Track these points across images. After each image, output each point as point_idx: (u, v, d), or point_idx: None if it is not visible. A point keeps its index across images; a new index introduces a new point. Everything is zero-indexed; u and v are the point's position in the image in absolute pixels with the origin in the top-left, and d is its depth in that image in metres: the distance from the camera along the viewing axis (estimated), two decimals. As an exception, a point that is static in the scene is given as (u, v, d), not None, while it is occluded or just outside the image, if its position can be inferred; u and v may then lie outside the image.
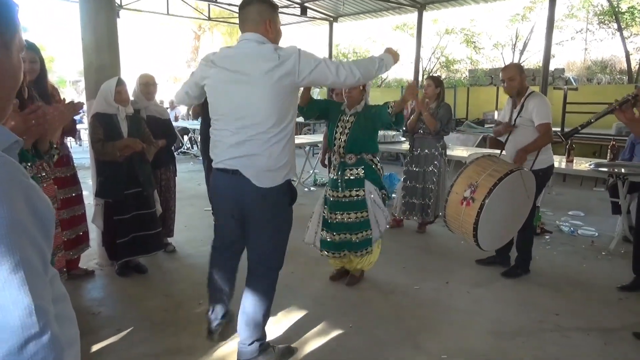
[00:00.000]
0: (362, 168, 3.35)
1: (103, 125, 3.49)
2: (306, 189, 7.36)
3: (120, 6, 11.96)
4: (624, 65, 15.30)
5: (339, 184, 3.39)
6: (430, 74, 13.48)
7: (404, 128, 5.24)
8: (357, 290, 3.56)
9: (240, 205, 2.39)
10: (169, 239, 4.38)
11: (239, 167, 2.30)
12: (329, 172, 3.59)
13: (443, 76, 19.33)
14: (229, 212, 2.47)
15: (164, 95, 15.50)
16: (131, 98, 3.83)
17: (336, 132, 3.37)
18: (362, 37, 21.02)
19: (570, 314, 3.19)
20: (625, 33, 15.22)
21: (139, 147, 3.55)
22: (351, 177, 3.37)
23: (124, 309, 3.22)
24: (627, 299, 3.44)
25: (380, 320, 3.10)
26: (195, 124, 11.03)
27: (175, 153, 11.65)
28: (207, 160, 5.30)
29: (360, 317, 3.11)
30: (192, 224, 5.24)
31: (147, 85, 3.92)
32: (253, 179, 2.29)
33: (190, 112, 5.70)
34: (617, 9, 15.15)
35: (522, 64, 3.76)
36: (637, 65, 14.80)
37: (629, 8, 15.07)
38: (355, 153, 3.34)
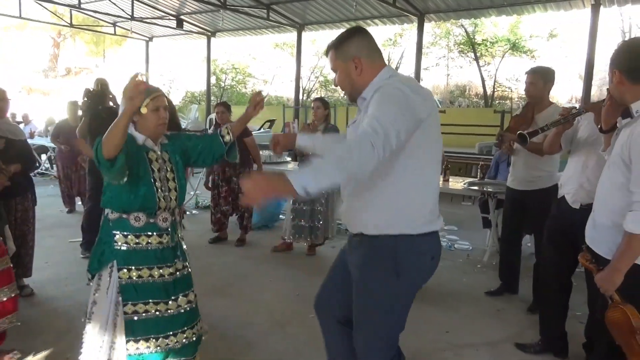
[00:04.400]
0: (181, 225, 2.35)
1: None
2: (188, 213, 6.92)
3: (-41, 5, 10.37)
4: (480, 90, 17.24)
5: (178, 252, 2.22)
6: (318, 96, 13.76)
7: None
8: (253, 324, 3.33)
9: None
10: (26, 280, 3.73)
11: None
12: (138, 242, 2.11)
13: (322, 95, 19.94)
14: None
15: (17, 108, 13.69)
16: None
17: (155, 181, 2.10)
18: (242, 52, 20.86)
19: (460, 330, 3.32)
20: (481, 62, 17.18)
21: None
22: (181, 240, 2.30)
23: (-36, 376, 2.61)
24: (504, 309, 3.69)
25: (281, 356, 2.91)
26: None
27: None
28: (93, 181, 4.68)
29: (257, 357, 2.90)
30: (54, 259, 4.55)
31: (-1, 101, 3.32)
32: None
33: (77, 132, 4.89)
34: (473, 40, 17.05)
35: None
36: (491, 91, 16.76)
37: (483, 40, 17.11)
38: (181, 204, 2.29)
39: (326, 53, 1.90)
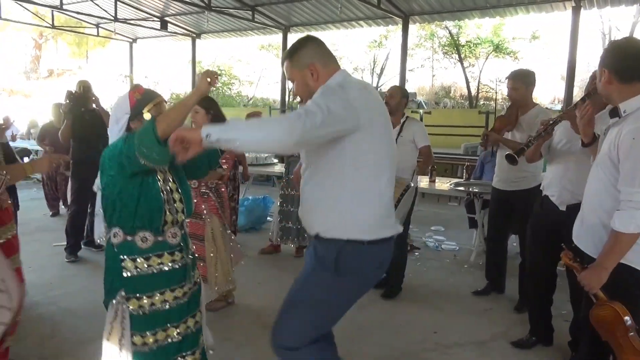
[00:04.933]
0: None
1: None
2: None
3: (-63, 5, 10.16)
4: (465, 91, 17.42)
5: (188, 271, 2.05)
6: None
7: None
8: (240, 326, 3.31)
9: None
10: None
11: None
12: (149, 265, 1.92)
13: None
14: None
15: (-2, 110, 13.45)
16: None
17: (162, 192, 1.93)
18: (227, 54, 20.79)
19: (447, 330, 3.34)
20: (465, 63, 17.37)
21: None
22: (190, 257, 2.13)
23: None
24: (491, 309, 3.73)
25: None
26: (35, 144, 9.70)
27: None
28: (77, 184, 4.64)
29: (247, 358, 2.89)
30: (39, 263, 4.47)
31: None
32: None
33: (59, 135, 4.81)
34: (457, 42, 17.22)
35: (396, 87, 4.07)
36: (475, 92, 16.95)
37: (467, 42, 17.29)
38: (189, 215, 2.13)
39: (282, 64, 1.94)
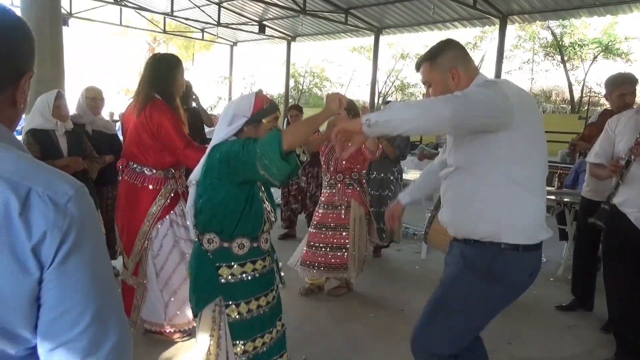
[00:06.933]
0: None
1: (39, 143, 3.24)
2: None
3: (70, 14, 11.54)
4: (567, 95, 16.23)
5: (275, 274, 2.10)
6: (390, 100, 13.75)
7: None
8: (312, 320, 3.44)
9: None
10: (113, 263, 4.12)
11: None
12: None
13: (398, 99, 19.82)
14: None
15: (115, 107, 14.95)
16: (74, 112, 3.64)
17: (263, 200, 1.98)
18: (319, 56, 21.27)
19: (523, 343, 3.21)
20: (568, 65, 16.17)
21: (81, 166, 3.33)
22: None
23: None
24: (576, 326, 3.51)
25: (337, 353, 3.00)
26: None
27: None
28: None
29: (316, 350, 3.01)
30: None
31: (95, 100, 3.73)
32: None
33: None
34: (560, 42, 16.10)
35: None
36: (579, 96, 15.72)
37: (571, 43, 16.08)
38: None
39: (417, 67, 1.92)
